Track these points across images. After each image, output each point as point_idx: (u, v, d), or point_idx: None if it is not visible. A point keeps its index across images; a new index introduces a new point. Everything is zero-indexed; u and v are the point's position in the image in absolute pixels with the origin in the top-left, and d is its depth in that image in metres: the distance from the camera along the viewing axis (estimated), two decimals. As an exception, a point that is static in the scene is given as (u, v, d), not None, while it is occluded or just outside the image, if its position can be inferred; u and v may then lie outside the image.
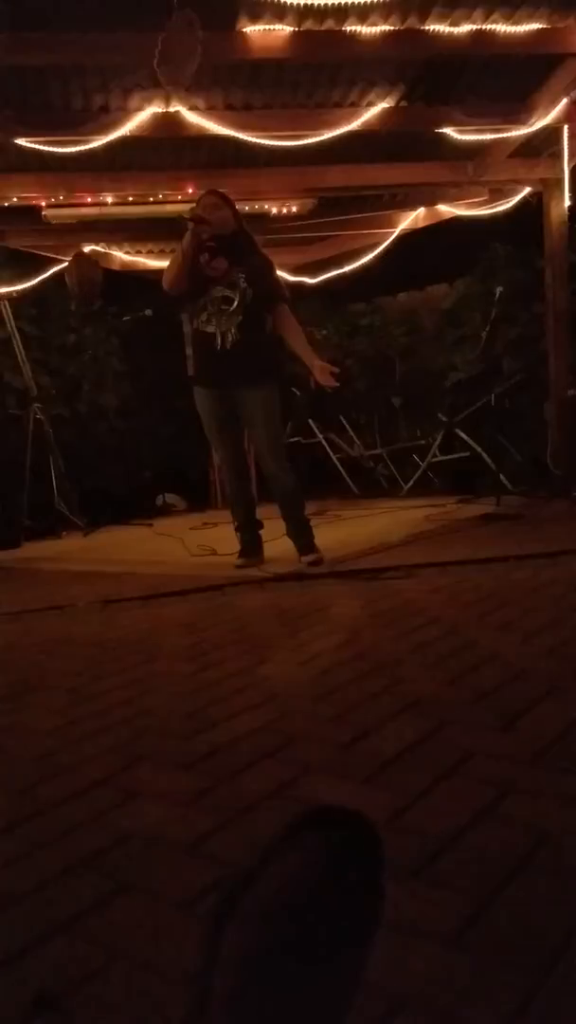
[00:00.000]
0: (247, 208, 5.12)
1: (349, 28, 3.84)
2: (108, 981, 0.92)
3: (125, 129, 4.36)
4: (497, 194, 5.79)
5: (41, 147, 4.47)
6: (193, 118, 4.42)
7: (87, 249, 5.99)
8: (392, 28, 3.87)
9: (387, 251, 6.59)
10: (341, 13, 3.74)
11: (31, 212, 5.38)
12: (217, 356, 3.40)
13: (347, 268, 6.79)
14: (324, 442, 6.54)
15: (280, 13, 3.72)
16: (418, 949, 0.92)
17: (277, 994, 0.56)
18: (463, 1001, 0.85)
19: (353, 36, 3.87)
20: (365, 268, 6.76)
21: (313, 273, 6.91)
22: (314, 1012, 0.57)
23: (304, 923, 0.59)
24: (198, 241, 3.33)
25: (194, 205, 3.49)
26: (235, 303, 3.36)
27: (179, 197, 5.35)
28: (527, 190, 5.62)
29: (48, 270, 6.02)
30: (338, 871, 0.62)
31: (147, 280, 6.92)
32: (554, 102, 4.53)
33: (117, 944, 0.98)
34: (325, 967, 0.59)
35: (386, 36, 3.89)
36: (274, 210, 5.79)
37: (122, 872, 1.14)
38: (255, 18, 3.74)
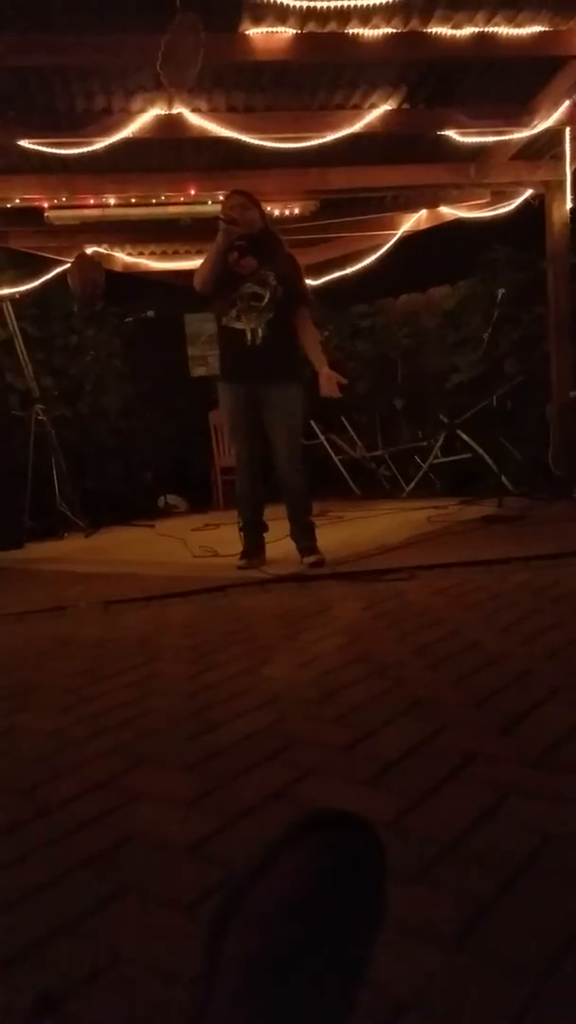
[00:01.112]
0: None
1: (351, 30, 3.85)
2: (109, 982, 0.92)
3: (128, 131, 4.37)
4: (499, 196, 5.80)
5: (44, 148, 4.48)
6: (196, 120, 4.42)
7: (89, 250, 6.00)
8: (395, 30, 3.87)
9: (389, 253, 6.59)
10: (344, 15, 3.74)
11: (34, 213, 5.39)
12: (246, 352, 3.42)
13: (349, 270, 6.79)
14: (326, 443, 6.54)
15: (283, 15, 3.72)
16: (420, 951, 0.92)
17: (279, 996, 0.56)
18: (466, 1003, 0.85)
19: (356, 38, 3.87)
20: (367, 270, 6.76)
21: (315, 275, 6.91)
22: (316, 1014, 0.58)
23: (306, 925, 0.59)
24: (229, 241, 3.34)
25: (221, 205, 3.50)
26: (265, 300, 3.40)
27: (181, 198, 5.36)
28: (529, 192, 5.62)
29: (50, 271, 6.03)
30: (339, 873, 0.63)
31: (149, 281, 6.94)
32: (556, 104, 4.53)
33: (119, 945, 0.98)
34: (327, 969, 0.59)
35: (388, 38, 3.89)
36: (276, 212, 5.78)
37: (123, 873, 1.14)
38: (258, 20, 3.75)
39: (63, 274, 5.87)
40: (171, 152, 5.02)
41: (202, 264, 3.47)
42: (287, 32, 3.83)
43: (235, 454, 3.65)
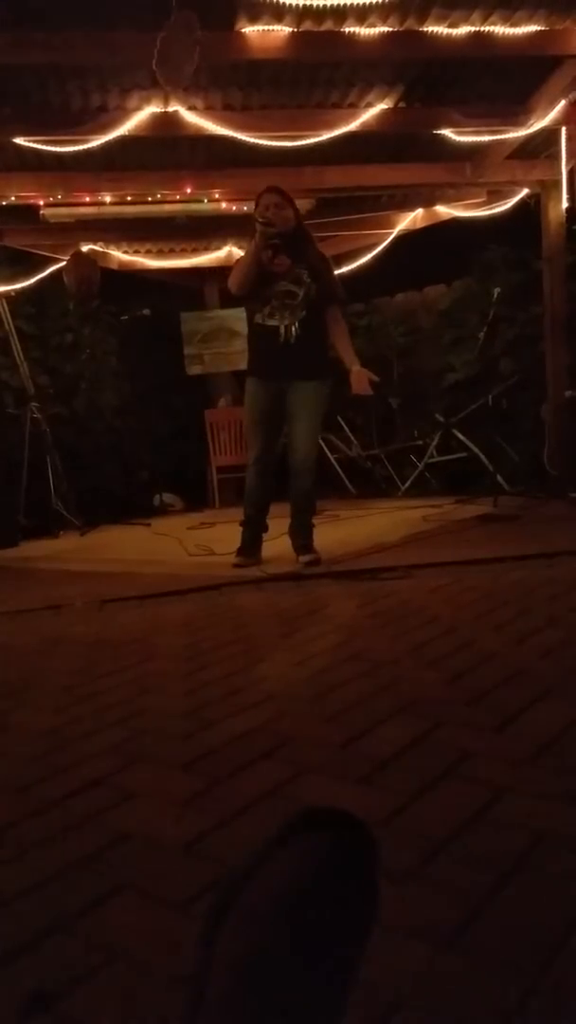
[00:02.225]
0: (245, 208, 5.12)
1: (348, 29, 3.84)
2: (104, 981, 0.92)
3: (124, 129, 4.36)
4: (495, 195, 5.80)
5: (39, 146, 4.47)
6: (191, 118, 4.42)
7: (85, 248, 5.98)
8: (391, 29, 3.87)
9: (385, 252, 6.59)
10: (340, 14, 3.74)
11: (29, 211, 5.38)
12: (279, 349, 3.43)
13: (345, 268, 6.79)
14: (321, 442, 6.54)
15: (279, 14, 3.72)
16: (414, 950, 0.93)
17: (273, 995, 0.56)
18: (460, 1002, 0.85)
19: (352, 37, 3.87)
20: (363, 268, 6.76)
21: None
22: (310, 1013, 0.58)
23: (299, 924, 0.59)
24: (265, 242, 3.35)
25: (255, 202, 3.49)
26: (299, 298, 3.41)
27: (177, 196, 5.35)
28: (525, 191, 5.63)
29: (46, 269, 6.01)
30: (333, 872, 0.63)
31: (145, 279, 6.93)
32: (552, 104, 4.53)
33: (113, 944, 0.98)
34: (321, 968, 0.59)
35: (385, 37, 3.89)
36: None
37: (118, 872, 1.15)
38: (254, 19, 3.74)
39: (59, 272, 5.86)
40: (167, 150, 5.01)
41: (237, 266, 3.49)
42: (283, 30, 3.82)
43: (250, 449, 3.63)
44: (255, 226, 3.37)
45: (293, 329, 3.41)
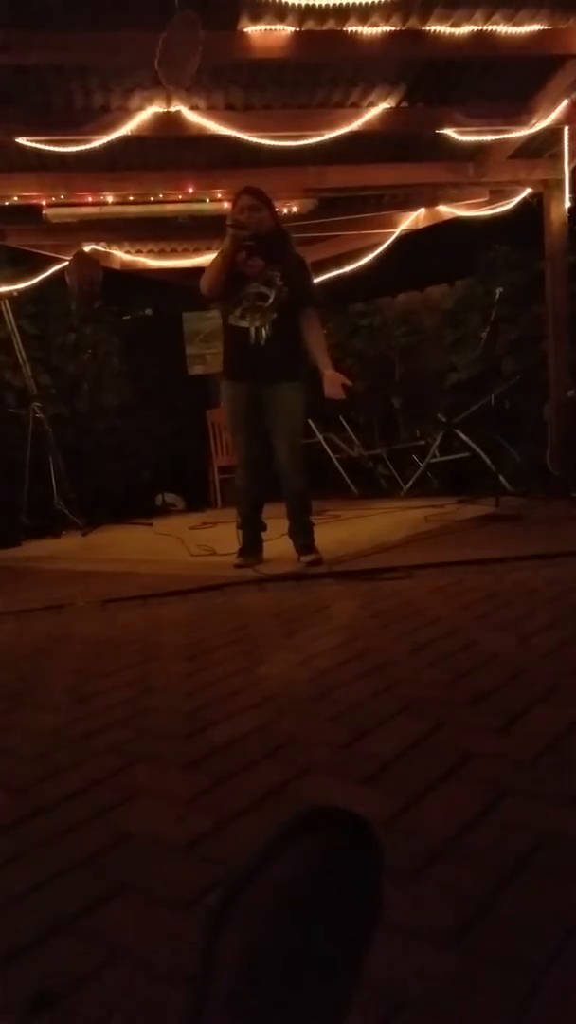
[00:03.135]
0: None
1: (350, 28, 3.84)
2: (106, 980, 0.92)
3: (126, 129, 4.36)
4: (497, 195, 5.79)
5: (42, 146, 4.47)
6: (194, 118, 4.42)
7: (87, 248, 5.98)
8: (393, 29, 3.87)
9: (387, 252, 6.58)
10: (342, 14, 3.74)
11: (32, 211, 5.38)
12: (250, 351, 3.43)
13: (347, 268, 6.79)
14: (323, 442, 6.54)
15: (281, 13, 3.72)
16: (417, 950, 0.92)
17: (275, 995, 0.56)
18: (462, 1002, 0.85)
19: (354, 37, 3.87)
20: (365, 268, 6.76)
21: (313, 273, 6.89)
22: (313, 1013, 0.58)
23: (302, 924, 0.59)
24: (238, 243, 3.34)
25: (231, 202, 3.49)
26: (271, 300, 3.40)
27: (179, 196, 5.35)
28: (527, 191, 5.62)
29: (48, 269, 6.02)
30: (336, 871, 0.63)
31: (147, 279, 6.93)
32: (555, 103, 4.53)
33: (116, 944, 0.98)
34: (323, 968, 0.59)
35: (387, 37, 3.89)
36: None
37: (121, 872, 1.14)
38: (256, 18, 3.74)
39: (61, 272, 5.86)
40: (169, 150, 5.01)
41: (209, 268, 3.48)
42: (285, 30, 3.82)
43: (236, 452, 3.65)
44: (226, 227, 3.35)
45: (264, 331, 3.40)
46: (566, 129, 4.87)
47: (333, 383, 3.51)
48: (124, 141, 4.46)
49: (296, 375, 3.48)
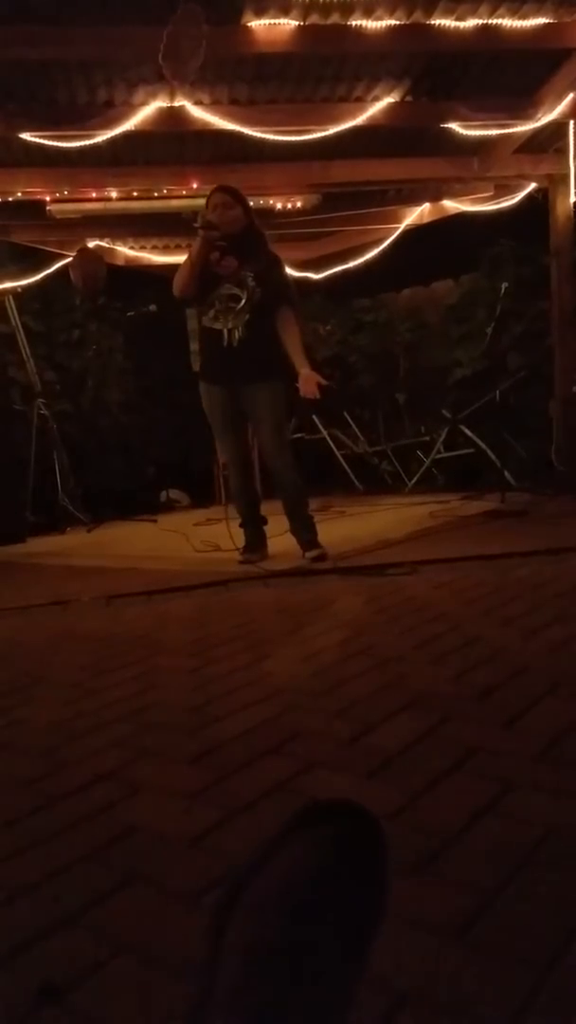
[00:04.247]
0: (251, 204, 5.10)
1: (354, 22, 3.83)
2: (112, 974, 0.92)
3: (130, 124, 4.36)
4: (502, 190, 5.78)
5: (46, 142, 4.47)
6: (198, 113, 4.41)
7: (91, 244, 5.99)
8: (397, 22, 3.86)
9: (392, 247, 6.57)
10: (346, 7, 3.73)
11: (36, 207, 5.38)
12: (224, 353, 3.40)
13: (352, 264, 6.77)
14: (328, 438, 6.54)
15: (285, 7, 3.71)
16: (422, 944, 0.92)
17: (281, 987, 0.56)
18: (467, 996, 0.85)
19: (358, 30, 3.86)
20: (370, 264, 6.74)
21: (317, 269, 6.90)
22: (318, 1006, 0.58)
23: (307, 917, 0.59)
24: (209, 245, 3.32)
25: (204, 202, 3.47)
26: (243, 301, 3.37)
27: (183, 192, 5.35)
28: (533, 186, 5.60)
29: (52, 265, 6.02)
30: (342, 865, 0.63)
31: (151, 275, 6.92)
32: (560, 97, 4.51)
33: (121, 937, 0.98)
34: (328, 961, 0.59)
35: (391, 30, 3.88)
36: (279, 205, 5.77)
37: (127, 866, 1.15)
38: (260, 12, 3.74)
39: (65, 268, 5.86)
40: (173, 145, 5.01)
41: (180, 270, 3.44)
42: (290, 24, 3.81)
43: (224, 453, 3.64)
44: (196, 228, 3.32)
45: (237, 332, 3.37)
46: (572, 123, 4.85)
47: (308, 382, 3.47)
48: (128, 136, 4.46)
49: (272, 374, 3.43)
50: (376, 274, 6.82)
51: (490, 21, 3.89)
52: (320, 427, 6.45)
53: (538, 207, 5.61)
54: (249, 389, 3.41)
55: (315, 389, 3.47)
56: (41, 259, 6.03)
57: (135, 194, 5.36)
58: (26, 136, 4.41)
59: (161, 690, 1.95)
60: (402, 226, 6.37)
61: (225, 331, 3.39)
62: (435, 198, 6.06)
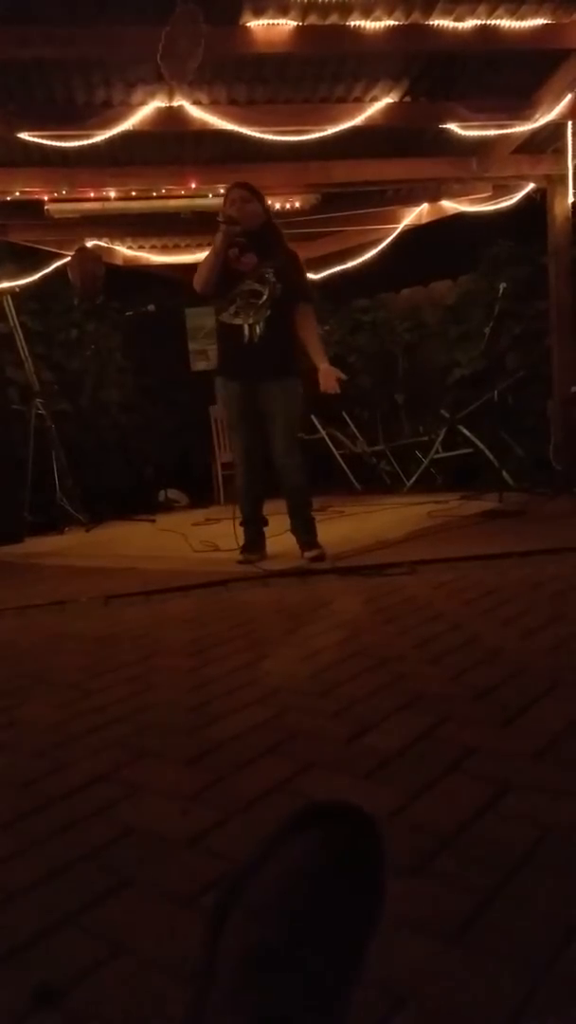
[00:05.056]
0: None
1: (353, 23, 3.83)
2: (110, 975, 0.92)
3: (128, 123, 4.35)
4: (501, 190, 5.77)
5: (44, 141, 4.47)
6: (196, 113, 4.40)
7: (90, 244, 5.98)
8: (396, 23, 3.86)
9: (390, 247, 6.57)
10: (345, 8, 3.72)
11: (34, 207, 5.37)
12: (244, 349, 3.41)
13: (350, 264, 6.77)
14: (327, 438, 6.53)
15: (284, 7, 3.71)
16: (420, 944, 0.92)
17: (277, 989, 0.56)
18: (465, 996, 0.85)
19: (357, 31, 3.86)
20: (368, 264, 6.74)
21: (316, 269, 6.89)
22: (314, 1007, 0.58)
23: (304, 918, 0.59)
24: (230, 239, 3.33)
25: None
26: (264, 297, 3.38)
27: (182, 192, 5.34)
28: (531, 186, 5.60)
29: (51, 265, 6.01)
30: (339, 866, 0.63)
31: (150, 275, 6.92)
32: (559, 98, 4.51)
33: (119, 938, 0.98)
34: (325, 962, 0.59)
35: (390, 31, 3.87)
36: (277, 205, 5.77)
37: (124, 867, 1.15)
38: (259, 12, 3.73)
39: (63, 268, 5.85)
40: (172, 145, 5.00)
41: (201, 266, 3.45)
42: (288, 24, 3.81)
43: (234, 449, 3.65)
44: (218, 224, 3.33)
45: (258, 328, 3.38)
46: (570, 124, 4.85)
47: (328, 377, 3.52)
48: (127, 136, 4.45)
49: (291, 371, 3.47)
50: (375, 274, 6.81)
51: (488, 22, 3.89)
52: (319, 427, 6.45)
53: (536, 207, 5.60)
54: (267, 386, 3.43)
55: (335, 384, 3.52)
56: (39, 259, 6.02)
57: (133, 194, 5.34)
58: (24, 136, 4.40)
59: (159, 690, 1.95)
60: (400, 226, 6.37)
61: (246, 327, 3.40)
62: (433, 198, 6.06)
